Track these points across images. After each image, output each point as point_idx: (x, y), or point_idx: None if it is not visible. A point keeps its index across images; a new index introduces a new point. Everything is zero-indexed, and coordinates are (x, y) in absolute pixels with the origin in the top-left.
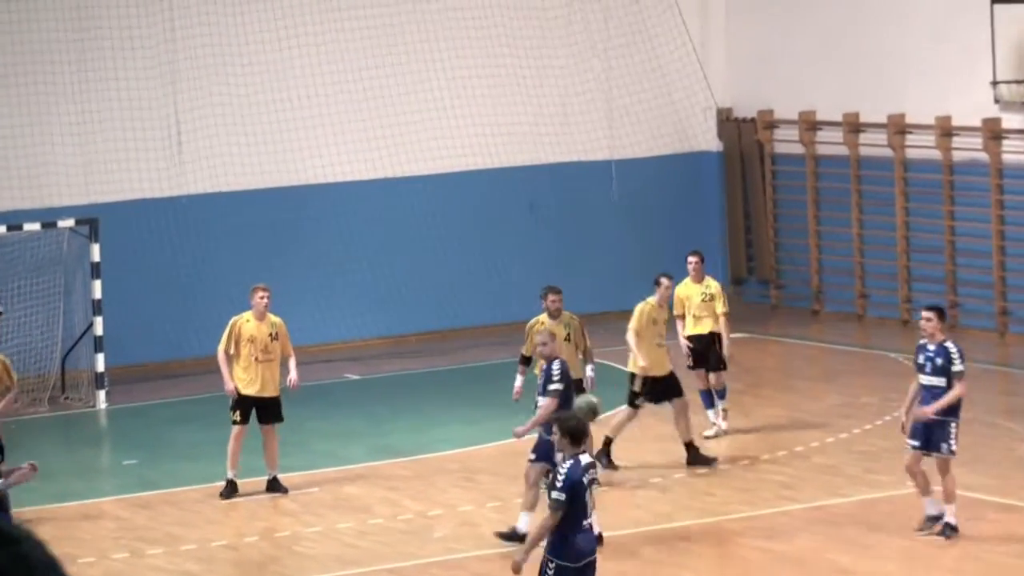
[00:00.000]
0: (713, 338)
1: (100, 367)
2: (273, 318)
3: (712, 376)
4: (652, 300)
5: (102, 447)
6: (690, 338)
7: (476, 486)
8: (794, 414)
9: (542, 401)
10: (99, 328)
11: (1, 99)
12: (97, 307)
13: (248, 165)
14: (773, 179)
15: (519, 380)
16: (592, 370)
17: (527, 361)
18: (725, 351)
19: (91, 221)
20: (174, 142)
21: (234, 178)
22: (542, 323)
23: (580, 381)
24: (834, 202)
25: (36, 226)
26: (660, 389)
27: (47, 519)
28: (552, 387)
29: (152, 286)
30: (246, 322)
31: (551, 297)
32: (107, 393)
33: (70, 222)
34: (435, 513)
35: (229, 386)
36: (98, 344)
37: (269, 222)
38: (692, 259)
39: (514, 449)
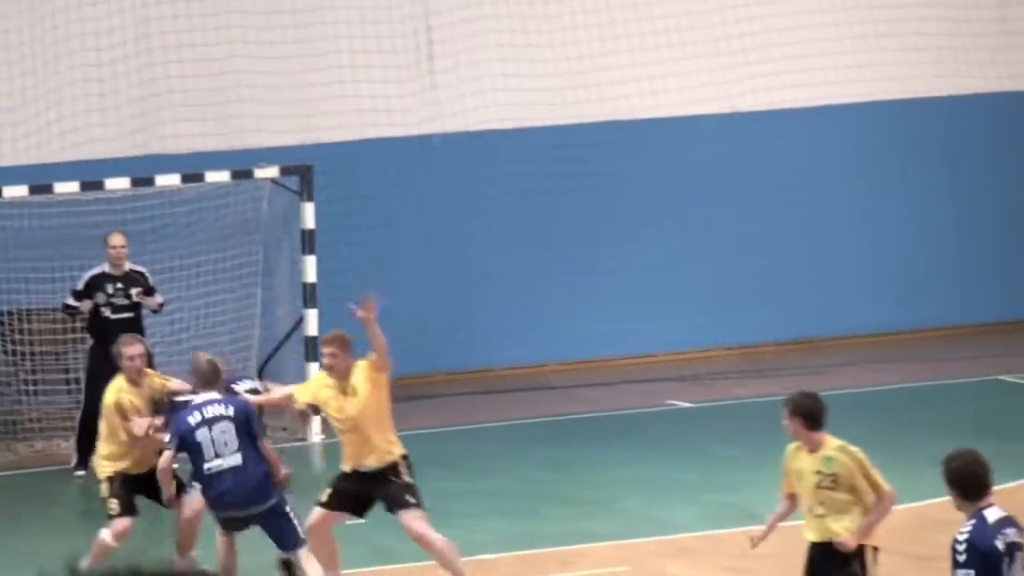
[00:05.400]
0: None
1: None
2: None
3: None
4: None
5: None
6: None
7: None
8: None
9: None
10: (313, 326)
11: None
12: (311, 295)
13: (527, 92)
14: None
15: None
16: None
17: None
18: None
19: (302, 170)
20: (423, 58)
21: (507, 110)
22: None
23: None
24: None
25: (224, 176)
26: None
27: None
28: None
29: (387, 265)
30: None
31: None
32: (324, 420)
33: (272, 171)
34: None
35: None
36: (311, 350)
37: (555, 174)
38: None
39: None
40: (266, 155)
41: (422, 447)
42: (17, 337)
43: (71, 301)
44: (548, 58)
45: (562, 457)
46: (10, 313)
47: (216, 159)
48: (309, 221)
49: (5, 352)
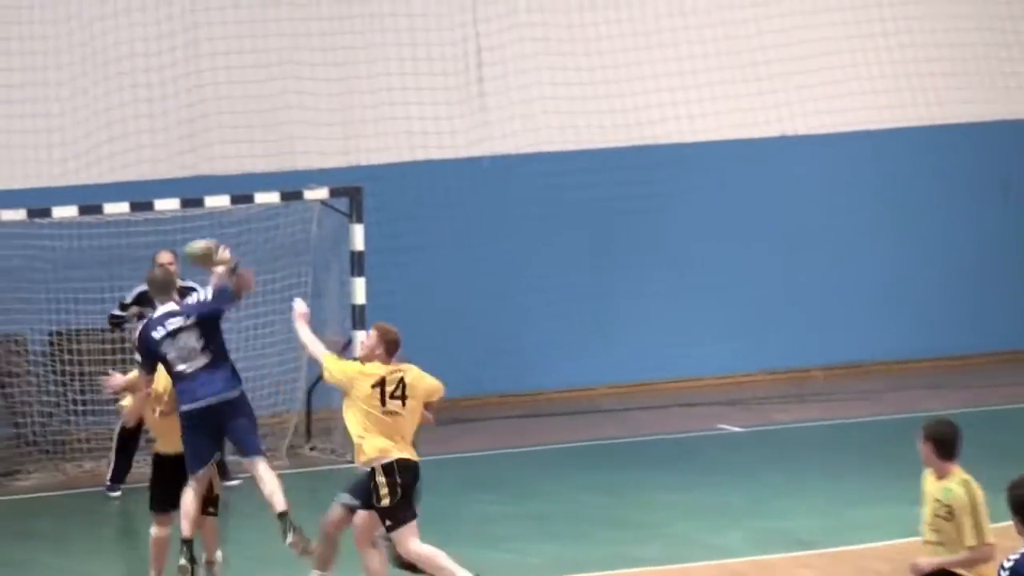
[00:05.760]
0: None
1: None
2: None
3: None
4: None
5: None
6: None
7: None
8: None
9: None
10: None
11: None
12: (360, 317)
13: (576, 115)
14: None
15: None
16: None
17: None
18: None
19: (351, 191)
20: (473, 79)
21: (556, 132)
22: None
23: None
24: None
25: (273, 197)
26: None
27: None
28: None
29: (436, 287)
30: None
31: None
32: None
33: (322, 192)
34: None
35: None
36: None
37: (603, 196)
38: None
39: None
40: (315, 176)
41: (471, 470)
42: (66, 357)
43: (117, 311)
44: (597, 81)
45: (612, 481)
46: (59, 333)
47: (265, 180)
48: (358, 243)
49: (55, 372)
